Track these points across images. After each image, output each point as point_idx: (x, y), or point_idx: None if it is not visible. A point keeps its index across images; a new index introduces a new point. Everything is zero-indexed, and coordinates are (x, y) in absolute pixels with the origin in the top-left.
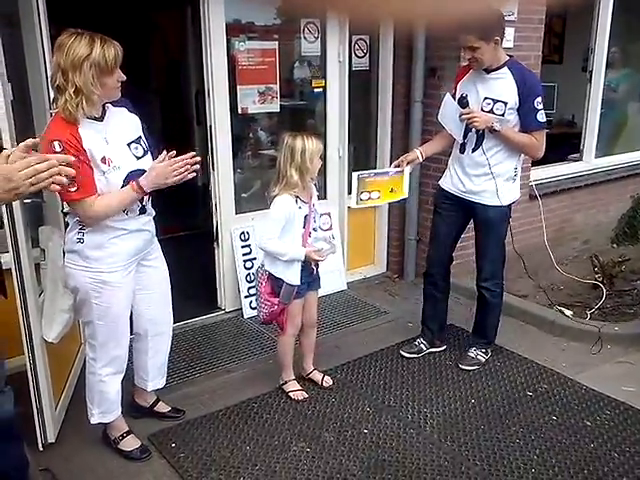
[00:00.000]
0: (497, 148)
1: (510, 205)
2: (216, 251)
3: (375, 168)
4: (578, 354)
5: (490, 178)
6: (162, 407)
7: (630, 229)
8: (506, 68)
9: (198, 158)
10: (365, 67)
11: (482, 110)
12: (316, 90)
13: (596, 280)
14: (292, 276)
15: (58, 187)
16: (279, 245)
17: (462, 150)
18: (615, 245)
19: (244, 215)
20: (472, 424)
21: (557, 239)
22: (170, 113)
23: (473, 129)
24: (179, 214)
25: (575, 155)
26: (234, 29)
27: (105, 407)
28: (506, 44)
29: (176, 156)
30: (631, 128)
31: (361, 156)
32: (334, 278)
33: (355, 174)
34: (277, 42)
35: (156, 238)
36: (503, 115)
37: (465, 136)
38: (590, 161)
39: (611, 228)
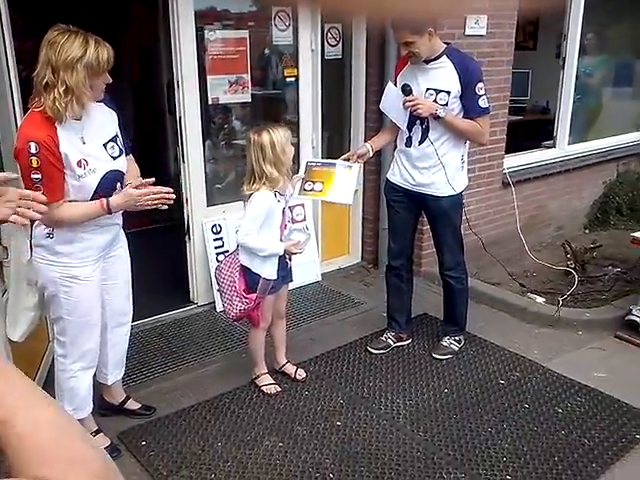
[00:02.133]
0: (443, 138)
1: (461, 192)
2: (187, 244)
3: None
4: (550, 341)
5: (440, 169)
6: (132, 404)
7: (602, 215)
8: (445, 57)
9: (174, 196)
10: (338, 56)
11: None
12: (288, 79)
13: (568, 267)
14: (269, 271)
15: (25, 221)
16: (259, 241)
17: (408, 144)
18: (588, 231)
19: (216, 207)
20: (445, 414)
21: (530, 226)
22: (142, 103)
23: (418, 122)
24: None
25: (549, 142)
26: (204, 17)
27: (77, 404)
28: (479, 31)
29: (155, 183)
30: (606, 114)
31: (335, 145)
32: (308, 269)
33: (304, 160)
34: (248, 31)
35: (122, 231)
36: (447, 105)
37: (410, 129)
38: (564, 148)
39: (584, 214)
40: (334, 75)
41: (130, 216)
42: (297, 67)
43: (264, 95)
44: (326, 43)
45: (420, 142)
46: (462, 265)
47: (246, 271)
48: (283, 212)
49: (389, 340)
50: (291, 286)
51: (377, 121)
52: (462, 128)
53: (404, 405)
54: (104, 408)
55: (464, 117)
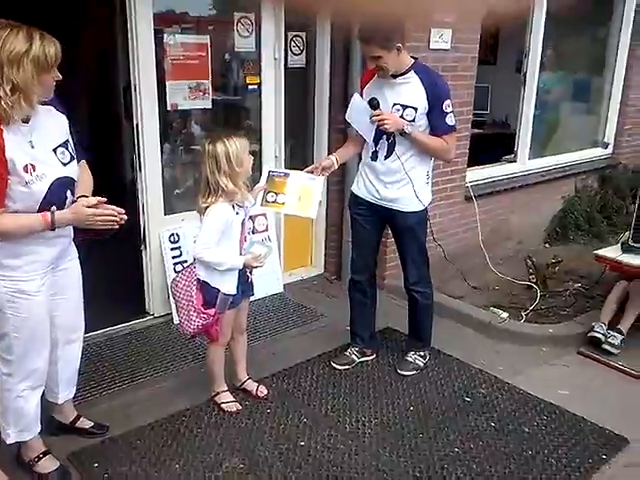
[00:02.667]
0: (410, 153)
1: (427, 207)
2: (143, 254)
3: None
4: (514, 356)
5: (406, 183)
6: (84, 423)
7: (561, 229)
8: (412, 72)
9: (126, 217)
10: (302, 65)
11: None
12: (250, 87)
13: (530, 281)
14: (229, 285)
15: None
16: (216, 255)
17: (374, 157)
18: (548, 245)
19: (174, 216)
20: (411, 432)
21: (492, 239)
22: (98, 107)
23: (384, 136)
24: None
25: (509, 156)
26: (163, 20)
27: (23, 425)
28: (443, 45)
29: (111, 190)
30: (563, 130)
31: (298, 155)
32: (270, 280)
33: (266, 168)
34: (209, 36)
35: (73, 243)
36: (414, 121)
37: (377, 143)
38: (524, 162)
39: (544, 229)
40: (297, 84)
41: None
42: (260, 75)
43: (225, 102)
44: (289, 51)
45: (386, 156)
46: (427, 279)
47: (204, 285)
48: (242, 224)
49: (353, 355)
50: (254, 297)
51: (341, 132)
52: (429, 145)
53: (369, 423)
54: (54, 427)
55: (430, 134)
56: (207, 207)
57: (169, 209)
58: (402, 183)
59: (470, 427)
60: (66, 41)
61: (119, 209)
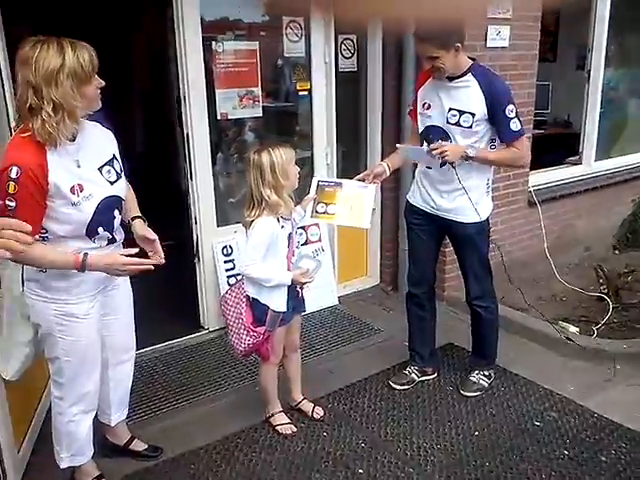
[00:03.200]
0: (465, 162)
1: (487, 218)
2: (197, 266)
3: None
4: (586, 375)
5: (463, 193)
6: (137, 445)
7: (632, 234)
8: (470, 75)
9: (163, 261)
10: (353, 68)
11: (448, 122)
12: (301, 92)
13: (601, 292)
14: (278, 302)
15: (8, 254)
16: (263, 271)
17: (430, 165)
18: (617, 252)
19: (226, 228)
20: (477, 461)
21: (558, 246)
22: (154, 116)
23: (439, 142)
24: (159, 222)
25: (574, 158)
26: (211, 28)
27: (76, 449)
28: (501, 43)
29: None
30: (632, 128)
31: (351, 161)
32: (324, 293)
33: (315, 179)
34: (258, 42)
35: None
36: (471, 127)
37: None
38: (590, 164)
39: (612, 234)
40: (349, 88)
41: (131, 234)
42: (310, 80)
43: (276, 109)
44: (340, 55)
45: (442, 164)
46: (491, 293)
47: (253, 302)
48: (289, 238)
49: (413, 374)
50: (308, 311)
51: (395, 136)
52: (497, 160)
53: (431, 450)
54: (108, 449)
55: (500, 141)
56: (252, 221)
57: (222, 220)
58: (458, 193)
59: (540, 454)
60: (124, 51)
61: (156, 259)
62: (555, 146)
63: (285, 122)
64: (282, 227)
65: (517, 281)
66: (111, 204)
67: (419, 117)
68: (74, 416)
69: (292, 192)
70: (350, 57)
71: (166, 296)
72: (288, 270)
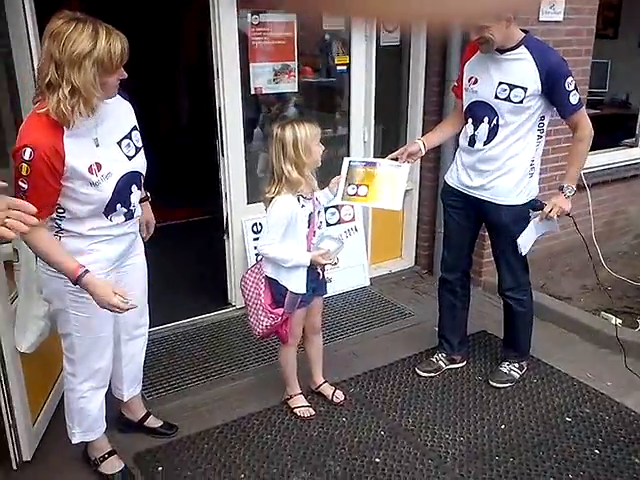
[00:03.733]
0: (514, 138)
1: (528, 203)
2: (226, 243)
3: None
4: (627, 371)
5: (505, 172)
6: (153, 422)
7: None
8: (523, 47)
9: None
10: (395, 42)
11: (497, 97)
12: (339, 68)
13: None
14: (297, 283)
15: (13, 234)
16: (281, 250)
17: (471, 143)
18: None
19: (257, 205)
20: (500, 456)
21: (607, 233)
22: (198, 92)
23: (485, 119)
24: (189, 196)
25: (630, 140)
26: (246, 0)
27: (87, 425)
28: (555, 17)
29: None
30: None
31: (390, 140)
32: (356, 273)
33: (346, 159)
34: (295, 15)
35: (139, 235)
36: (522, 102)
37: (476, 127)
38: None
39: None
40: (390, 64)
41: (166, 208)
42: (349, 54)
43: (313, 84)
44: (382, 28)
45: (486, 142)
46: (525, 286)
47: (272, 283)
48: (310, 217)
49: (440, 362)
50: (337, 291)
51: (437, 114)
52: (581, 161)
53: (453, 442)
54: (123, 424)
55: (561, 117)
56: (272, 199)
57: (253, 197)
58: (501, 172)
59: (569, 453)
60: (168, 25)
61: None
62: (611, 127)
63: (322, 98)
64: (302, 206)
65: (560, 268)
66: (130, 180)
67: (464, 93)
68: (85, 392)
69: (315, 170)
70: (393, 31)
71: (195, 272)
72: (308, 251)
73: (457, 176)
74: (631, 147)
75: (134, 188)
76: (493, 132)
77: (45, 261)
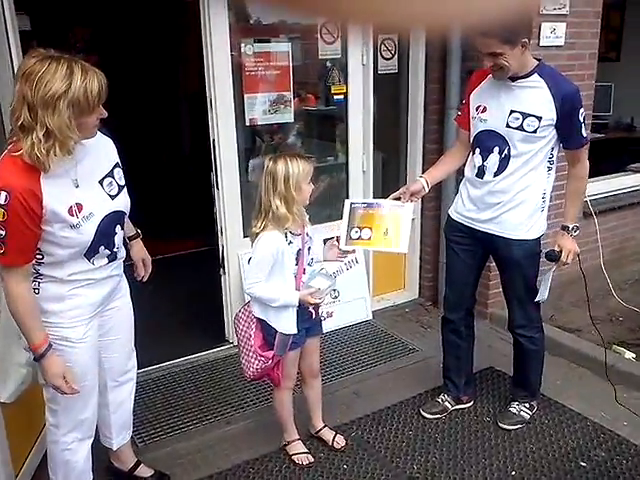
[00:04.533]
0: (525, 169)
1: (539, 238)
2: (223, 278)
3: (405, 184)
4: None
5: (515, 206)
6: (143, 471)
7: None
8: (536, 75)
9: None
10: (393, 70)
11: (508, 126)
12: (336, 97)
13: None
14: (286, 324)
15: None
16: (267, 290)
17: (480, 174)
18: None
19: None
20: None
21: (615, 261)
22: (198, 120)
23: (496, 149)
24: (186, 229)
25: (636, 165)
26: (239, 30)
27: (73, 478)
28: (556, 42)
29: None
30: None
31: (390, 169)
32: (357, 306)
33: (347, 201)
34: (290, 44)
35: (124, 276)
36: (535, 132)
37: (485, 157)
38: None
39: None
40: (389, 91)
41: (161, 241)
42: (346, 83)
43: (309, 114)
44: (379, 56)
45: (496, 173)
46: (537, 322)
47: (262, 324)
48: (298, 255)
49: (446, 403)
50: (338, 325)
51: (437, 142)
52: (581, 200)
53: None
54: (112, 474)
55: (564, 148)
56: (257, 234)
57: (248, 230)
58: (512, 204)
59: None
60: (170, 52)
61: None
62: (616, 152)
63: (319, 128)
64: (289, 243)
65: (569, 298)
66: (113, 220)
67: (472, 122)
68: (70, 444)
69: (311, 202)
70: (390, 58)
71: (191, 307)
72: (297, 290)
73: (463, 209)
74: (636, 172)
75: (117, 229)
76: (504, 163)
77: (16, 319)
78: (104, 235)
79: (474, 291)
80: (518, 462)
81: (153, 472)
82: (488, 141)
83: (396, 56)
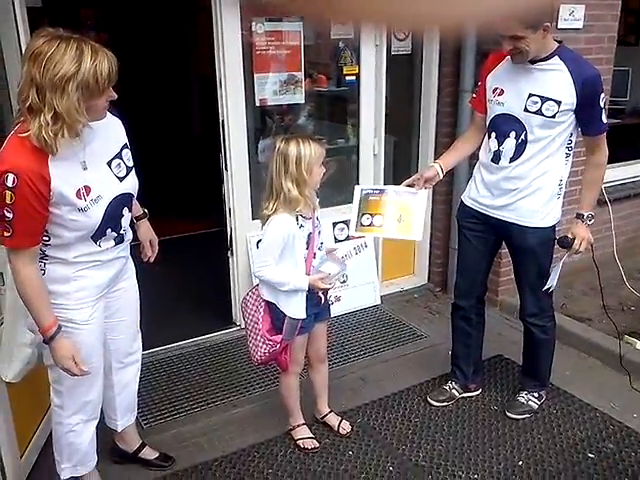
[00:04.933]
0: (542, 155)
1: (554, 226)
2: (230, 260)
3: (417, 168)
4: None
5: (531, 192)
6: (148, 453)
7: None
8: (557, 58)
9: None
10: (407, 51)
11: (526, 110)
12: (348, 78)
13: None
14: (295, 308)
15: None
16: (277, 273)
17: (496, 159)
18: None
19: None
20: None
21: (629, 250)
22: (209, 101)
23: (512, 134)
24: (196, 209)
25: None
26: (250, 8)
27: (77, 459)
28: (575, 24)
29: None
30: None
31: (402, 152)
32: (366, 291)
33: (358, 187)
34: (302, 23)
35: (130, 258)
36: (554, 117)
37: (501, 142)
38: None
39: None
40: (402, 73)
41: (171, 220)
42: (359, 64)
43: (321, 95)
44: (393, 37)
45: (512, 159)
46: (548, 311)
47: (271, 307)
48: (309, 238)
49: (453, 390)
50: (347, 310)
51: (450, 125)
52: (598, 188)
53: None
54: (117, 455)
55: (583, 134)
56: (269, 216)
57: (257, 212)
58: (527, 191)
59: None
60: (183, 34)
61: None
62: (633, 138)
63: (330, 109)
64: (301, 226)
65: (581, 287)
66: (121, 202)
67: (488, 105)
68: (75, 426)
69: (321, 185)
70: (404, 39)
71: (198, 289)
72: (307, 274)
73: (477, 195)
74: None
75: (125, 211)
76: (521, 148)
77: (24, 301)
78: (111, 218)
79: (485, 278)
80: (525, 452)
81: (158, 454)
82: (504, 125)
83: (410, 37)
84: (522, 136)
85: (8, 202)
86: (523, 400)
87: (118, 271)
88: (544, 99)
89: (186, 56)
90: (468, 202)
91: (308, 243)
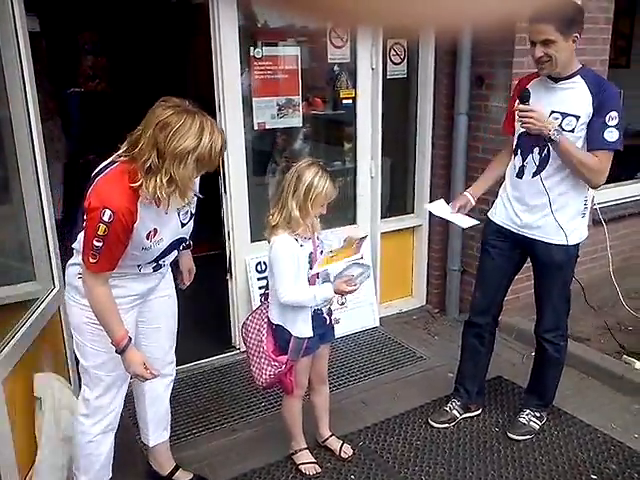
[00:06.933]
0: (562, 174)
1: (578, 245)
2: (229, 283)
3: (414, 190)
4: None
5: (556, 209)
6: (182, 476)
7: None
8: (579, 76)
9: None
10: (402, 74)
11: None
12: (345, 101)
13: None
14: (303, 327)
15: None
16: (301, 292)
17: (520, 174)
18: None
19: (261, 243)
20: None
21: (625, 270)
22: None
23: (536, 149)
24: (196, 232)
25: None
26: (249, 33)
27: (92, 474)
28: None
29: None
30: None
31: (398, 174)
32: (364, 313)
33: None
34: (299, 48)
35: (170, 268)
36: (573, 131)
37: (525, 157)
38: None
39: None
40: (397, 96)
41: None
42: (355, 87)
43: (318, 118)
44: (389, 61)
45: (535, 173)
46: (564, 330)
47: (276, 328)
48: (311, 257)
49: (454, 411)
50: (345, 332)
51: (445, 148)
52: (579, 159)
53: None
54: (151, 476)
55: (588, 149)
56: (273, 227)
57: (257, 235)
58: (552, 207)
59: None
60: (179, 53)
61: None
62: (626, 159)
63: (327, 132)
64: (301, 246)
65: (578, 307)
66: (175, 245)
67: (516, 125)
68: (95, 436)
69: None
70: (400, 63)
71: (197, 312)
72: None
73: (504, 211)
74: None
75: (174, 252)
76: (544, 163)
77: (97, 317)
78: (162, 256)
79: (503, 298)
80: (527, 474)
81: (192, 476)
82: (528, 142)
83: (405, 61)
84: (545, 151)
85: (100, 234)
86: (524, 421)
87: (156, 283)
88: (564, 115)
89: (183, 80)
90: (495, 219)
91: (310, 263)
